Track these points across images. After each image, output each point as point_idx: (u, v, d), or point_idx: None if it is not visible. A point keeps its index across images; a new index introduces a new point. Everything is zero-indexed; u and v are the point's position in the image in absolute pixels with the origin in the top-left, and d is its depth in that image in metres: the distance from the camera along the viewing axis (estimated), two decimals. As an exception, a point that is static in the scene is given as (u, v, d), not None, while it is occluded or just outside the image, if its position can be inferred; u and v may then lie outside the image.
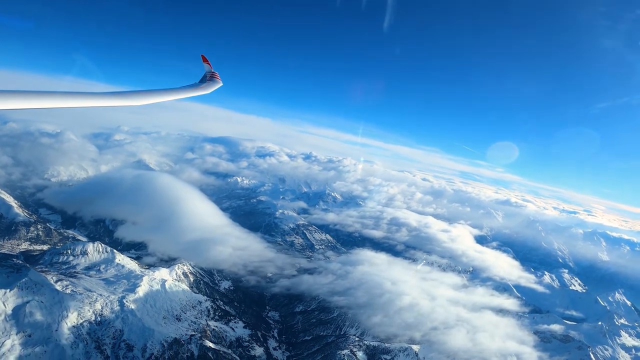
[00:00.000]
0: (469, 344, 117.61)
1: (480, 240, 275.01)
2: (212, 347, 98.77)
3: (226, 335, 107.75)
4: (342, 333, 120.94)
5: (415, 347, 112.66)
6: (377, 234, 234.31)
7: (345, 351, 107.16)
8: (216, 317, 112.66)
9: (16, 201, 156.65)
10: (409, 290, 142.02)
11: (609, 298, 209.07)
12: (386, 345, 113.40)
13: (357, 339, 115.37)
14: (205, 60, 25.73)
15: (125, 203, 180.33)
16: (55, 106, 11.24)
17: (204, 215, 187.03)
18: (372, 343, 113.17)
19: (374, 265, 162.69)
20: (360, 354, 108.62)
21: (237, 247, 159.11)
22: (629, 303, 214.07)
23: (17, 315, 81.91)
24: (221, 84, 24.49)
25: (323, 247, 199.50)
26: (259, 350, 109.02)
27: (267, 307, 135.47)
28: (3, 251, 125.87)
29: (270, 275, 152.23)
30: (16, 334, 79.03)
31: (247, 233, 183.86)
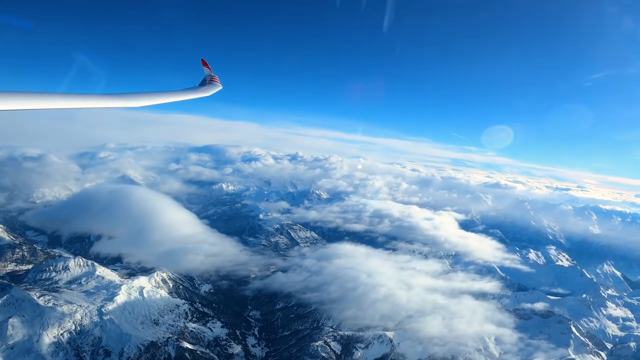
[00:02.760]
0: (444, 330, 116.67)
1: (468, 225, 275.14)
2: (190, 347, 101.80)
3: (204, 336, 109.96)
4: (319, 326, 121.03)
5: (390, 334, 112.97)
6: (358, 227, 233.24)
7: (319, 342, 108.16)
8: (194, 319, 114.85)
9: (1, 225, 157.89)
10: (386, 281, 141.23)
11: (597, 270, 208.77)
12: (360, 334, 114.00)
13: (331, 329, 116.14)
14: (204, 64, 26.22)
15: (101, 218, 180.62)
16: (54, 107, 11.13)
17: (179, 225, 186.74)
18: (346, 333, 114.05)
19: (352, 259, 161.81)
20: (334, 344, 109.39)
21: (210, 253, 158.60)
22: (618, 274, 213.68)
23: (0, 330, 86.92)
24: (220, 87, 25.02)
25: (308, 244, 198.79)
26: (237, 348, 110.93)
27: (249, 307, 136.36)
28: None
29: (244, 277, 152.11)
30: None
31: (223, 238, 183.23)
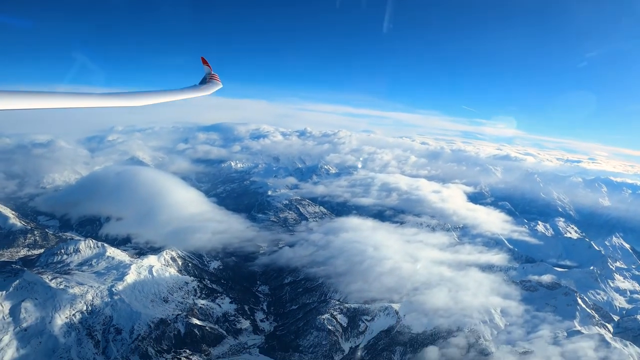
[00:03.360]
0: (450, 302, 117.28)
1: (477, 197, 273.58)
2: (199, 324, 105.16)
3: (213, 312, 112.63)
4: (326, 299, 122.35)
5: (396, 306, 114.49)
6: (366, 201, 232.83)
7: (326, 315, 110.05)
8: (203, 295, 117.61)
9: (13, 212, 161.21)
10: (392, 255, 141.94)
11: (606, 242, 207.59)
12: (366, 306, 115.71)
13: (338, 303, 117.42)
14: (205, 62, 26.52)
15: (110, 200, 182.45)
16: (55, 106, 11.26)
17: (186, 204, 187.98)
18: (352, 306, 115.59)
19: (358, 232, 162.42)
20: (340, 316, 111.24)
21: (217, 231, 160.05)
22: (627, 246, 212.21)
23: (14, 313, 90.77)
24: (221, 86, 25.16)
25: (316, 219, 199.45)
26: (245, 323, 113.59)
27: (258, 282, 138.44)
28: (3, 259, 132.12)
29: (252, 252, 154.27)
30: (13, 330, 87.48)
31: (230, 215, 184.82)
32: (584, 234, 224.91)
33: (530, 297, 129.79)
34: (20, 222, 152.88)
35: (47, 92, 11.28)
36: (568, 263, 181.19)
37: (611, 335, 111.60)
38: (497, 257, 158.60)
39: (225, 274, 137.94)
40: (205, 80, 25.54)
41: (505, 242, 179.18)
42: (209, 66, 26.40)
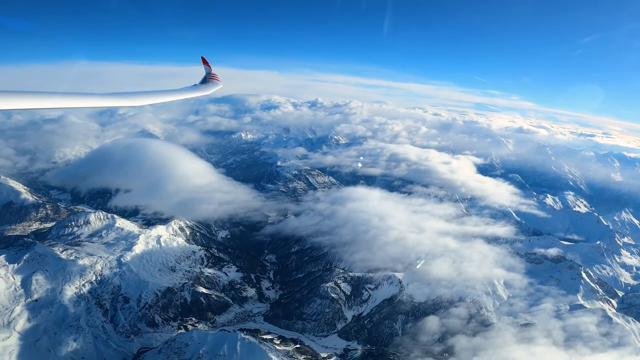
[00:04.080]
0: (453, 273, 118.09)
1: (487, 169, 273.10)
2: (205, 292, 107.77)
3: (219, 280, 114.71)
4: (331, 268, 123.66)
5: (399, 275, 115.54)
6: (374, 171, 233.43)
7: (330, 283, 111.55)
8: (210, 264, 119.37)
9: (25, 187, 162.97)
10: (397, 225, 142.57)
11: (614, 217, 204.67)
12: (370, 275, 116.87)
13: (342, 271, 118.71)
14: (205, 62, 27.27)
15: (119, 173, 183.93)
16: (57, 106, 11.44)
17: (193, 175, 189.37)
18: (356, 274, 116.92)
19: (364, 202, 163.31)
20: (344, 285, 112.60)
21: (224, 201, 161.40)
22: (636, 222, 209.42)
23: (25, 284, 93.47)
24: (221, 85, 25.71)
25: (325, 189, 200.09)
26: (251, 292, 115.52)
27: (266, 251, 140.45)
28: (15, 233, 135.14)
29: (258, 222, 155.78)
30: (24, 300, 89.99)
31: (237, 186, 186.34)
32: (593, 208, 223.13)
33: (534, 270, 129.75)
34: (32, 197, 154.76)
35: (47, 92, 11.38)
36: (575, 237, 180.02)
37: (614, 311, 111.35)
38: (503, 230, 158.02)
39: (232, 243, 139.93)
40: (206, 80, 26.07)
41: (513, 214, 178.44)
42: (209, 66, 27.06)
